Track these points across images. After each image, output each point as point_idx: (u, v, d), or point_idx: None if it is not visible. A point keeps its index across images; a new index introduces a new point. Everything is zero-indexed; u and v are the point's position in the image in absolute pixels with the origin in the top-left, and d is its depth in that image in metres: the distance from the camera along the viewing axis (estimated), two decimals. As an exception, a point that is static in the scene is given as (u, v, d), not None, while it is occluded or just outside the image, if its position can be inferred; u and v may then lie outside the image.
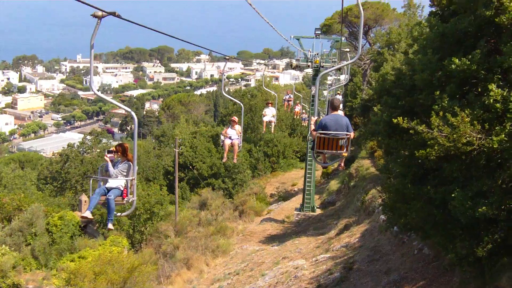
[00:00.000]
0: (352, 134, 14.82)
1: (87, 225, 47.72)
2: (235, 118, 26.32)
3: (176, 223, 43.30)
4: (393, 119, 14.14)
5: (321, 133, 14.65)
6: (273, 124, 38.72)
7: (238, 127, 26.16)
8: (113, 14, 9.62)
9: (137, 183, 47.26)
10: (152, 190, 46.42)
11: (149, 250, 38.06)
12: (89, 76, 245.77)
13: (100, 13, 9.66)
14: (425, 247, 19.63)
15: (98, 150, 72.13)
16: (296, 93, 73.32)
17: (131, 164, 14.58)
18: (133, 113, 13.07)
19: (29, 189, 61.33)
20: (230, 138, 25.93)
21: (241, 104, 27.78)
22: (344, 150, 14.74)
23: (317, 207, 44.70)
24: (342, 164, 16.67)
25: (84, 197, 51.52)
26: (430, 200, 14.33)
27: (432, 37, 15.15)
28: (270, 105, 38.58)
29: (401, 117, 13.73)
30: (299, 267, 25.20)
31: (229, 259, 33.90)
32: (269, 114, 37.66)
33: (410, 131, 13.70)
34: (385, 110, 17.26)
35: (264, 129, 42.11)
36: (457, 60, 13.10)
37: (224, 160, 28.26)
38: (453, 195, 12.75)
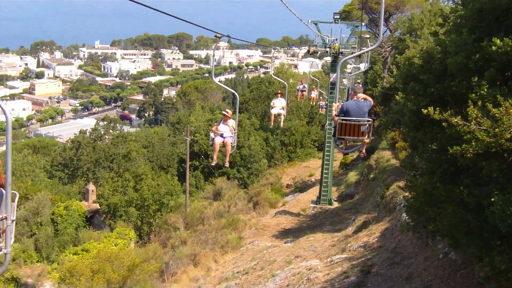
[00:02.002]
0: (372, 102, 15.54)
1: (94, 215, 46.26)
2: (228, 112, 21.95)
3: (186, 215, 41.53)
4: (422, 109, 12.10)
5: (343, 119, 14.94)
6: (282, 117, 35.05)
7: (232, 122, 21.77)
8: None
9: (147, 173, 46.00)
10: (163, 180, 44.65)
11: (154, 245, 36.24)
12: (107, 62, 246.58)
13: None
14: (451, 251, 17.60)
15: (111, 137, 70.56)
16: (312, 77, 71.28)
17: (3, 191, 7.97)
18: (3, 106, 7.29)
19: (38, 177, 59.88)
20: (221, 135, 21.47)
21: (235, 93, 23.80)
22: (366, 137, 15.00)
23: (334, 200, 42.76)
24: (364, 151, 17.30)
25: (91, 186, 50.07)
26: (462, 204, 12.35)
27: (467, 15, 13.07)
28: (279, 95, 34.69)
29: (431, 107, 11.73)
30: (313, 268, 23.25)
31: (239, 256, 32.05)
32: (278, 105, 33.89)
33: (443, 123, 11.69)
34: (412, 99, 15.17)
35: (272, 123, 37.55)
36: (498, 41, 11.14)
37: (213, 163, 23.22)
38: (492, 199, 10.79)
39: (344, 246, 25.15)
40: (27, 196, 47.19)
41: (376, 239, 23.85)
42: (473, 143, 10.89)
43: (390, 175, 34.53)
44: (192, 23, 13.74)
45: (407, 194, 17.53)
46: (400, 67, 32.26)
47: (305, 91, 48.02)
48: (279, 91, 36.29)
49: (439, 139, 13.39)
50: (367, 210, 32.62)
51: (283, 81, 41.96)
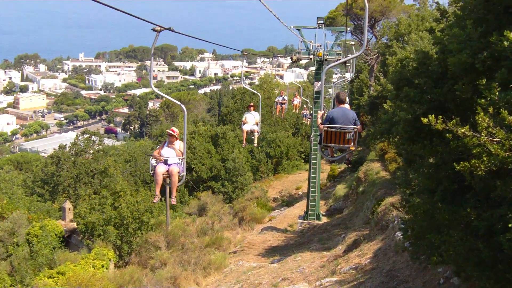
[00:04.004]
0: (359, 127, 14.99)
1: (71, 235, 44.37)
2: (174, 130, 17.38)
3: (168, 233, 39.56)
4: (422, 118, 10.22)
5: (328, 127, 14.83)
6: (256, 134, 29.40)
7: (180, 144, 17.23)
8: None
9: (126, 189, 44.04)
10: (142, 196, 42.61)
11: (131, 268, 34.14)
12: (91, 74, 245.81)
13: None
14: (453, 275, 15.73)
15: (92, 152, 68.75)
16: (295, 83, 69.80)
17: None
18: None
19: (16, 194, 57.90)
20: (165, 162, 16.86)
21: (183, 107, 16.31)
22: (351, 144, 14.90)
23: (322, 215, 41.07)
24: (350, 159, 16.93)
25: (68, 205, 48.03)
26: (470, 228, 10.50)
27: (472, 4, 11.21)
28: (252, 108, 29.72)
29: (432, 116, 9.88)
30: (300, 293, 21.37)
31: (222, 278, 30.08)
32: (251, 121, 28.92)
33: (447, 135, 9.82)
34: (407, 106, 13.28)
35: (244, 142, 31.09)
36: (511, 35, 9.30)
37: (155, 200, 17.64)
38: (510, 225, 8.97)
39: (334, 268, 23.24)
40: (3, 215, 45.32)
41: (368, 260, 21.92)
42: (485, 158, 9.06)
43: (380, 188, 33.04)
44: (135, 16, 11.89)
45: (403, 214, 15.77)
46: (389, 71, 30.57)
47: (285, 103, 44.71)
48: (251, 104, 31.08)
49: (439, 152, 11.56)
50: (357, 226, 30.91)
51: (256, 92, 36.37)
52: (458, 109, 11.45)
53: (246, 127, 29.01)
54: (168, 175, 16.73)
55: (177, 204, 58.33)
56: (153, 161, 17.07)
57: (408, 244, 14.84)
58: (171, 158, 16.84)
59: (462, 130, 9.32)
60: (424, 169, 12.84)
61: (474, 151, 9.20)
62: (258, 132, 29.35)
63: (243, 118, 29.42)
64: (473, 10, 11.04)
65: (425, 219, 11.92)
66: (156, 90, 17.51)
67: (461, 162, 9.48)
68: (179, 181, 16.93)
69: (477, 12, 10.89)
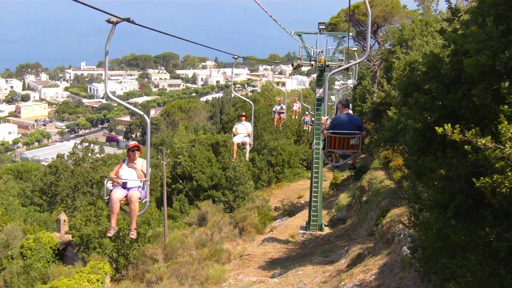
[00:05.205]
0: (364, 133, 15.01)
1: (66, 247, 43.24)
2: (135, 144, 14.07)
3: (166, 246, 38.38)
4: (436, 128, 9.01)
5: (332, 133, 14.67)
6: (247, 147, 26.70)
7: (142, 163, 13.67)
8: None
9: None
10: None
11: (126, 284, 32.98)
12: (93, 83, 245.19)
13: None
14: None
15: (90, 161, 67.77)
16: (297, 89, 68.78)
17: None
18: None
19: (12, 205, 56.82)
20: (124, 186, 13.40)
21: (146, 118, 13.46)
22: (355, 150, 14.84)
23: (325, 225, 39.87)
24: (354, 164, 16.60)
25: (63, 216, 46.87)
26: (489, 250, 9.30)
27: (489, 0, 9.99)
28: (243, 118, 26.94)
29: (449, 125, 8.68)
30: (302, 311, 20.15)
31: (220, 294, 28.94)
32: (242, 132, 26.27)
33: (465, 146, 8.61)
34: (416, 114, 11.95)
35: (234, 156, 29.08)
36: (536, 33, 8.14)
37: (110, 233, 13.97)
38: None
39: (337, 284, 21.99)
40: (-3, 227, 44.40)
41: (373, 276, 20.65)
42: (509, 173, 7.88)
43: (385, 198, 31.80)
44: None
45: (410, 230, 14.63)
46: (393, 77, 29.39)
47: (283, 112, 43.27)
48: (243, 113, 28.18)
49: (454, 165, 10.31)
50: (361, 238, 29.75)
51: (248, 100, 33.49)
52: (474, 117, 10.23)
53: (236, 139, 26.51)
54: (127, 201, 13.42)
55: (177, 213, 57.38)
56: (108, 185, 13.62)
57: (417, 263, 13.62)
58: (131, 181, 13.44)
59: (483, 141, 8.15)
60: (434, 182, 11.64)
61: (497, 165, 8.03)
62: (250, 144, 26.71)
63: (234, 129, 26.84)
64: (492, 5, 9.84)
65: (438, 240, 10.68)
66: (114, 97, 13.39)
67: (481, 178, 8.29)
68: (140, 209, 13.86)
69: (497, 7, 9.70)
